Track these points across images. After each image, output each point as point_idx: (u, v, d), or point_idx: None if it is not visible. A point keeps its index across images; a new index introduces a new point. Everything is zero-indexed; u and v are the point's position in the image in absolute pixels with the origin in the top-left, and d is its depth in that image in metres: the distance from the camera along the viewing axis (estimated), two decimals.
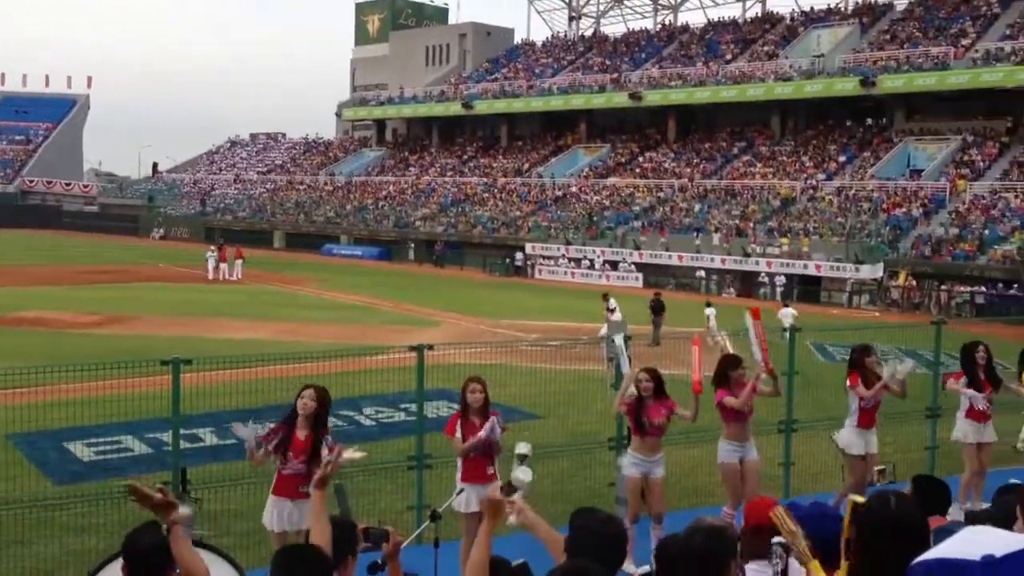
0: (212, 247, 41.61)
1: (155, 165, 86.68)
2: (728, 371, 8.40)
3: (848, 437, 8.92)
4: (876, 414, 9.01)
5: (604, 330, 10.70)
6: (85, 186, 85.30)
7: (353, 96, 76.46)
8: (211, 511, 7.82)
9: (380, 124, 73.13)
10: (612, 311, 22.27)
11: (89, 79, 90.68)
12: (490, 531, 3.53)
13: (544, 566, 3.42)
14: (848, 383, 8.98)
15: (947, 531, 3.47)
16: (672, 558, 3.59)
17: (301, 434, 6.73)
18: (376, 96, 71.52)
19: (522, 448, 4.13)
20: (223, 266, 39.94)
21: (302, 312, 28.31)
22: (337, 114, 76.28)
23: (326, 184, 67.17)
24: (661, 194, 49.43)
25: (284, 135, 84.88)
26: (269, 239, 60.92)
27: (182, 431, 8.10)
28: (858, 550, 3.18)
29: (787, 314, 23.22)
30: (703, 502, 10.03)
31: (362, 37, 79.91)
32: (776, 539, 3.90)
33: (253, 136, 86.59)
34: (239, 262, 40.13)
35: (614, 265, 43.45)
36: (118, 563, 3.71)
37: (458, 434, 7.40)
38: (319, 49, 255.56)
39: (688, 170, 50.94)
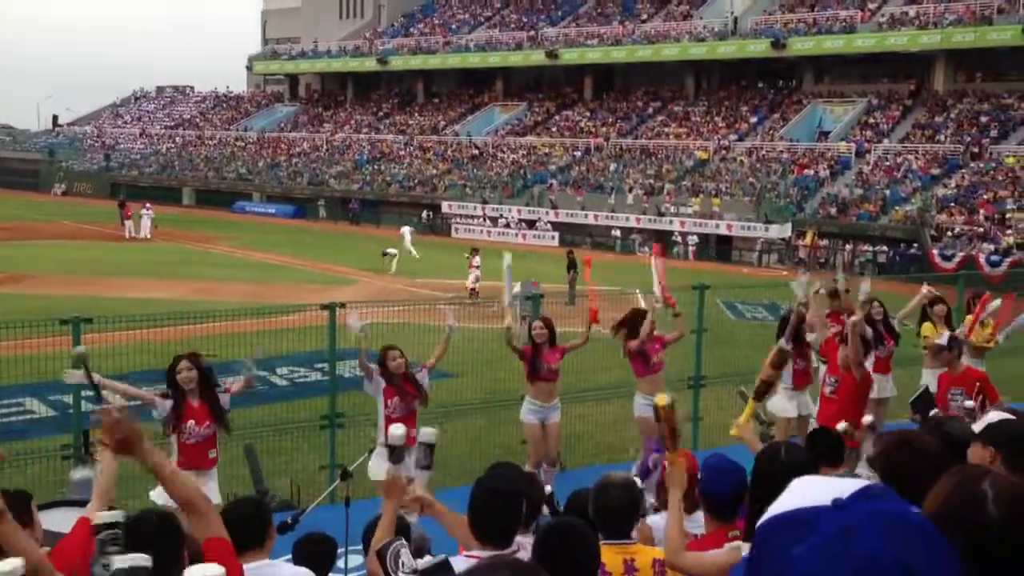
0: (146, 205, 40.27)
1: (55, 118, 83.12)
2: (637, 323, 8.64)
3: (779, 402, 8.86)
4: (810, 372, 9.09)
5: (518, 288, 10.79)
6: None
7: (264, 49, 74.37)
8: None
9: (293, 79, 71.41)
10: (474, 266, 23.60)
11: None
12: (391, 513, 3.53)
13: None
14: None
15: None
16: (584, 509, 3.70)
17: (195, 402, 6.63)
18: (288, 49, 69.72)
19: (425, 436, 4.08)
20: (128, 223, 38.78)
21: (213, 271, 27.71)
22: (248, 67, 74.13)
23: (237, 140, 65.49)
24: (577, 153, 49.64)
25: (192, 88, 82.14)
26: (178, 196, 59.20)
27: (87, 393, 7.87)
28: (752, 501, 3.31)
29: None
30: (618, 458, 10.24)
31: None
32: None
33: (160, 89, 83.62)
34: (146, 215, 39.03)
35: (531, 224, 43.60)
36: None
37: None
38: None
39: (604, 129, 51.22)
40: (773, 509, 1.29)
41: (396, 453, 3.77)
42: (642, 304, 9.20)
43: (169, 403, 6.62)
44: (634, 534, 3.76)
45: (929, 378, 10.05)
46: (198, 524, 2.99)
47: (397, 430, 3.87)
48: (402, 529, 3.80)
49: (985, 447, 3.43)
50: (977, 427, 3.81)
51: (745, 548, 3.14)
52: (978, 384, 7.36)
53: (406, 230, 33.58)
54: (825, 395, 7.66)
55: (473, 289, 23.28)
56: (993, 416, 4.00)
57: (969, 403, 6.44)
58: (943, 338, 7.70)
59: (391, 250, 30.12)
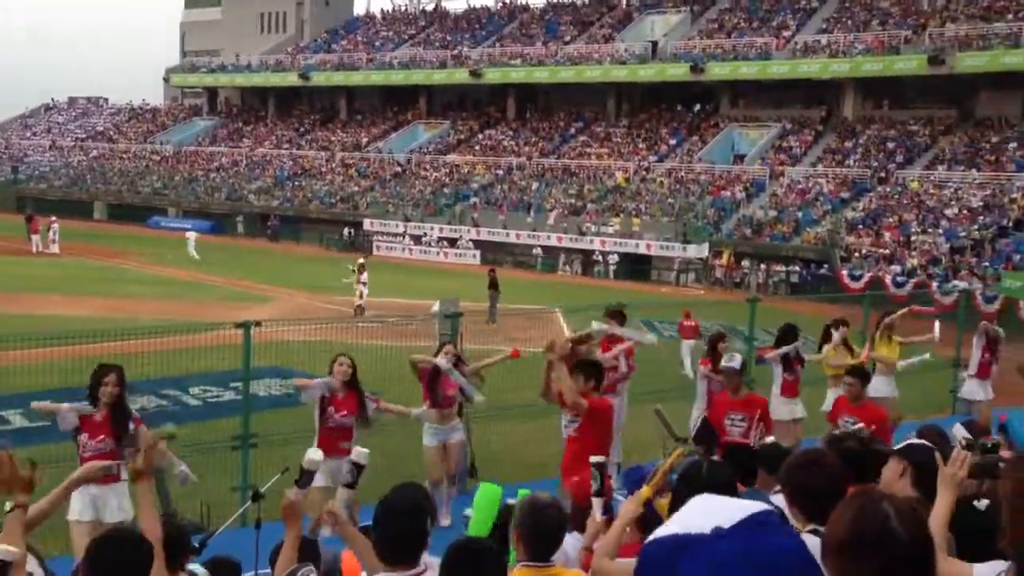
0: (52, 219, 38.96)
1: None
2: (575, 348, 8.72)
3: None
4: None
5: (436, 306, 10.79)
6: None
7: (183, 61, 73.01)
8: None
9: (212, 92, 70.20)
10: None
11: None
12: (294, 537, 3.47)
13: None
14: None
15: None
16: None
17: (99, 415, 6.52)
18: (208, 63, 68.57)
19: (357, 455, 4.03)
20: (35, 238, 37.53)
21: (126, 287, 27.00)
22: (165, 80, 72.64)
23: (153, 153, 64.04)
24: (500, 172, 49.89)
25: (106, 100, 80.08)
26: (89, 210, 57.56)
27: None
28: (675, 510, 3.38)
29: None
30: (535, 476, 10.27)
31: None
32: (594, 459, 4.12)
33: (72, 100, 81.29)
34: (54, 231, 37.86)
35: (452, 242, 43.60)
36: None
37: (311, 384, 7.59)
38: (145, 9, 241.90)
39: (527, 148, 51.59)
40: (661, 529, 1.33)
41: (304, 477, 3.68)
42: (562, 323, 9.26)
43: (75, 416, 6.45)
44: (553, 557, 3.77)
45: (834, 397, 10.43)
46: None
47: (315, 455, 3.79)
48: (310, 552, 3.75)
49: (899, 461, 3.59)
50: (899, 445, 4.00)
51: None
52: (759, 412, 7.25)
53: (191, 235, 37.61)
54: (570, 436, 6.84)
55: (359, 306, 23.15)
56: (918, 438, 4.21)
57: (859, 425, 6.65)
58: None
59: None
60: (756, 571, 1.25)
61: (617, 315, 9.78)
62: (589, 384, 6.74)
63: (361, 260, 25.66)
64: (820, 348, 10.49)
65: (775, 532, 1.32)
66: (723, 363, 7.49)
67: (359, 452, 4.05)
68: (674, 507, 3.58)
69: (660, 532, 1.35)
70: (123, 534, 3.25)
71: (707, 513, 1.33)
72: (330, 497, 7.24)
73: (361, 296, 23.46)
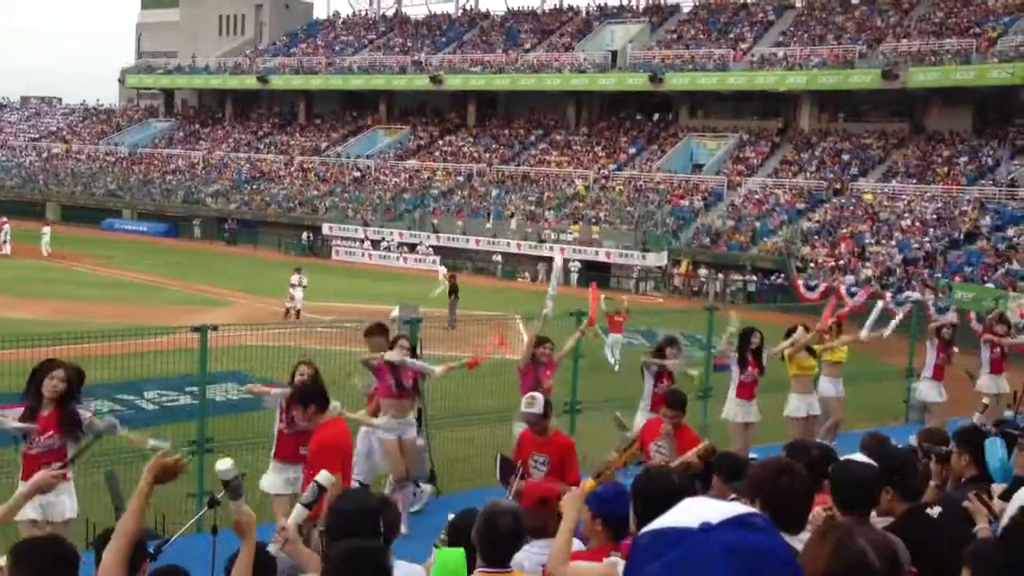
0: (3, 219, 38.18)
1: None
2: (534, 349, 8.74)
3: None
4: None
5: (396, 312, 10.74)
6: None
7: (139, 62, 72.02)
8: None
9: (168, 94, 69.31)
10: (298, 286, 23.50)
11: None
12: (248, 552, 3.42)
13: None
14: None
15: None
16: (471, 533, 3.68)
17: (45, 411, 6.27)
18: (164, 64, 67.71)
19: (322, 478, 3.96)
20: None
21: (79, 290, 26.54)
22: (120, 80, 71.59)
23: (107, 154, 63.06)
24: (460, 178, 49.87)
25: (60, 100, 78.76)
26: (41, 211, 56.49)
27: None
28: (639, 521, 3.39)
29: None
30: (495, 482, 10.24)
31: (149, 0, 75.34)
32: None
33: (24, 99, 79.83)
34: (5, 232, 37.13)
35: (412, 247, 43.49)
36: None
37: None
38: (101, 9, 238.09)
39: (487, 155, 51.65)
40: (655, 523, 1.36)
41: (230, 488, 3.51)
42: (521, 329, 9.25)
43: (19, 411, 6.23)
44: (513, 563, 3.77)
45: (796, 402, 10.54)
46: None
47: (223, 465, 3.63)
48: (267, 565, 3.70)
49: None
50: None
51: (622, 564, 3.21)
52: (562, 453, 6.67)
53: (46, 229, 38.15)
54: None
55: (297, 310, 23.00)
56: (861, 447, 4.22)
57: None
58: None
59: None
60: (739, 563, 1.27)
61: (378, 328, 9.12)
62: (309, 411, 6.09)
63: (297, 266, 25.40)
64: (782, 356, 10.57)
65: (762, 531, 1.34)
66: (523, 407, 6.83)
67: (326, 476, 4.02)
68: (638, 513, 3.60)
69: (648, 527, 1.37)
70: (49, 539, 3.17)
71: (695, 511, 1.35)
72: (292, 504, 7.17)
73: (292, 299, 23.29)
